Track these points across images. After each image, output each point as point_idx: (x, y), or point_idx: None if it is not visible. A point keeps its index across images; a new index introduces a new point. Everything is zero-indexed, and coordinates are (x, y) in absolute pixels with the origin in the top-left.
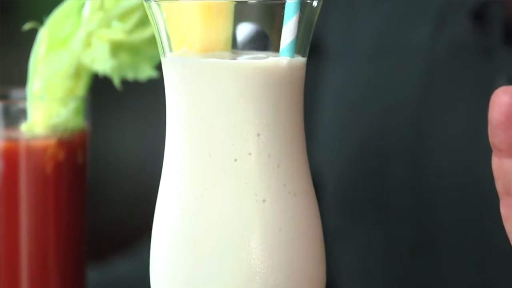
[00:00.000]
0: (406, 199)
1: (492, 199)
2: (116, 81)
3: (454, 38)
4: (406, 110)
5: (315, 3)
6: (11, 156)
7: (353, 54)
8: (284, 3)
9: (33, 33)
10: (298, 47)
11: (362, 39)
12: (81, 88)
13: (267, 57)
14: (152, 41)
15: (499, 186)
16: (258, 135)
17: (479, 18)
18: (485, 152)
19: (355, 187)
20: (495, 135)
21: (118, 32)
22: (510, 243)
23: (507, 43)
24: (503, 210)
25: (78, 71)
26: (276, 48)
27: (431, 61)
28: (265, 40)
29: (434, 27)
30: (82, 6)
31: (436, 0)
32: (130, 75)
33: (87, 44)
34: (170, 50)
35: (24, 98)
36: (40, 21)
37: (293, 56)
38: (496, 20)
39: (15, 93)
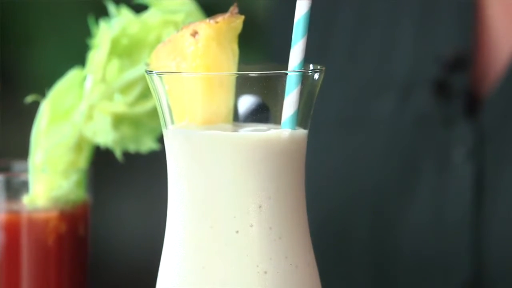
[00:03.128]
0: (368, 266)
1: (451, 270)
2: (118, 154)
3: (417, 109)
4: (369, 180)
5: (316, 76)
6: (13, 228)
7: (317, 125)
8: (285, 76)
9: (35, 105)
10: (300, 119)
11: (327, 111)
12: (83, 161)
13: (269, 129)
14: (153, 113)
15: None
16: (260, 207)
17: (442, 90)
18: (447, 223)
19: (321, 257)
20: None
21: (120, 104)
22: None
23: (468, 114)
24: None
25: (79, 143)
26: (277, 121)
27: (394, 132)
28: (266, 113)
29: (399, 98)
30: (84, 79)
31: (401, 72)
32: (132, 148)
33: (89, 116)
34: (172, 122)
35: (25, 171)
36: (42, 93)
37: (294, 128)
38: (458, 91)
39: (16, 165)
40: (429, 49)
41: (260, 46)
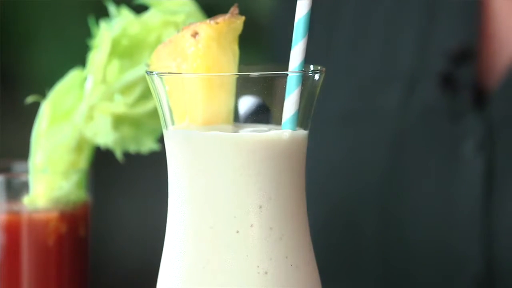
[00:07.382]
0: (377, 262)
1: (461, 263)
2: (118, 154)
3: (423, 102)
4: (376, 175)
5: (316, 77)
6: (13, 229)
7: (323, 119)
8: (286, 77)
9: (35, 106)
10: (300, 120)
11: (332, 104)
12: (83, 161)
13: (269, 130)
14: (154, 114)
15: None
16: (260, 207)
17: (449, 82)
18: (457, 216)
19: (329, 252)
20: None
21: (120, 105)
22: None
23: (476, 107)
24: None
25: (80, 144)
26: (278, 121)
27: (401, 126)
28: (266, 113)
29: (405, 91)
30: (84, 79)
31: (407, 65)
32: (132, 148)
33: (89, 117)
34: (172, 123)
35: (26, 171)
36: (43, 94)
37: (295, 129)
38: (465, 84)
39: (17, 166)
40: (434, 42)
41: (261, 46)
